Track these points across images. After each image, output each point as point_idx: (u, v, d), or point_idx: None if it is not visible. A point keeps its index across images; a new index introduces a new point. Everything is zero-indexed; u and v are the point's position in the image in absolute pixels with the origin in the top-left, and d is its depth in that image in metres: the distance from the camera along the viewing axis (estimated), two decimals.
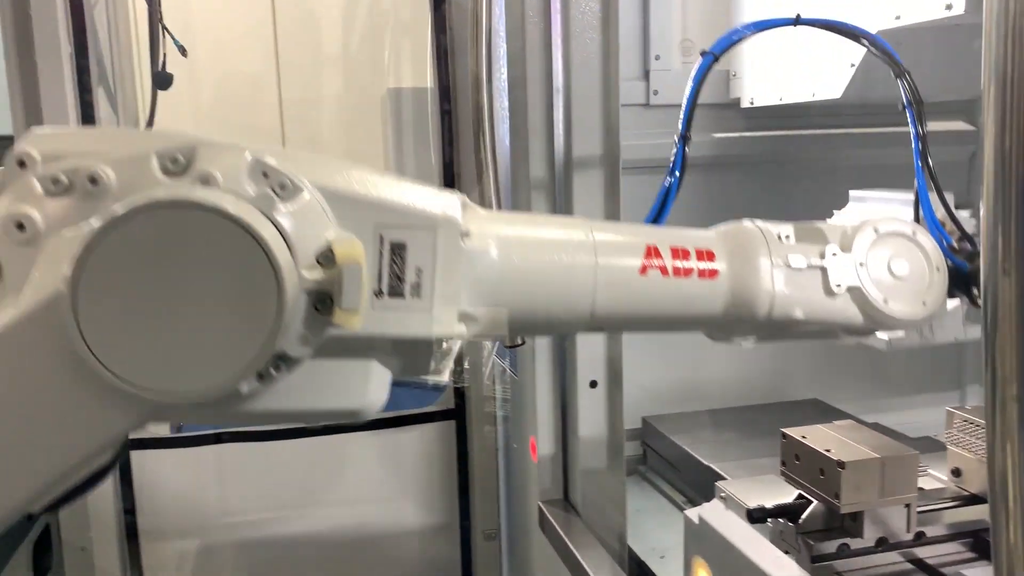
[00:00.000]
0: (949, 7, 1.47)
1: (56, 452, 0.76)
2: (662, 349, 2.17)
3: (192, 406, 0.77)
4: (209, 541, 2.38)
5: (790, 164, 2.35)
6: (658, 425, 2.14)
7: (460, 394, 2.37)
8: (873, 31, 1.67)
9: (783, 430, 1.30)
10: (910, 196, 1.26)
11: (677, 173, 1.14)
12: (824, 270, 1.02)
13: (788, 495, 1.26)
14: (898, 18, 1.59)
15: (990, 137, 0.63)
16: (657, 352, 2.16)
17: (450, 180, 2.26)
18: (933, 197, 1.15)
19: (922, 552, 1.23)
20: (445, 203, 0.85)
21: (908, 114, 1.13)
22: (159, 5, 2.31)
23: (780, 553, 1.24)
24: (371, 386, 0.84)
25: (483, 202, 1.76)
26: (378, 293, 0.81)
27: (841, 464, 1.16)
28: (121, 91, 2.28)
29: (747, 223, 1.05)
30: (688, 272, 0.97)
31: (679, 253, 0.97)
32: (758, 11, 2.17)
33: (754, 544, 1.28)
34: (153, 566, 2.32)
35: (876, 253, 1.05)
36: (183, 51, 2.44)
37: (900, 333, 1.11)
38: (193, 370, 0.73)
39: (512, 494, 2.28)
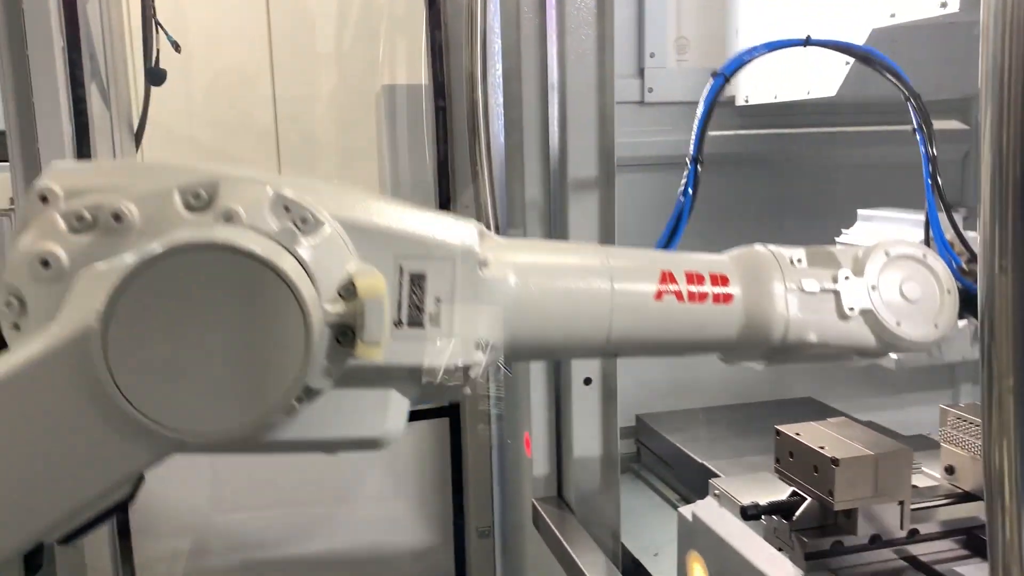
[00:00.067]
0: (944, 5, 1.47)
1: (76, 485, 0.76)
2: None
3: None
4: (201, 538, 2.38)
5: (785, 162, 2.35)
6: (652, 423, 2.15)
7: None
8: (868, 28, 1.68)
9: (777, 427, 1.30)
10: (917, 216, 1.27)
11: (690, 191, 1.14)
12: (837, 294, 1.03)
13: (782, 492, 1.26)
14: (893, 16, 1.60)
15: (988, 134, 0.63)
16: None
17: (445, 177, 2.26)
18: (942, 217, 1.15)
19: (915, 549, 1.23)
20: (463, 233, 0.86)
21: (918, 137, 1.14)
22: (152, 0, 2.30)
23: (773, 550, 1.24)
24: (390, 414, 0.85)
25: (478, 199, 1.76)
26: (398, 323, 0.83)
27: (835, 461, 1.16)
28: (114, 87, 2.26)
29: (759, 247, 1.05)
30: (703, 297, 0.98)
31: (694, 278, 0.98)
32: (753, 10, 2.17)
33: (748, 541, 1.28)
34: (145, 563, 2.31)
35: (888, 276, 1.05)
36: (177, 47, 2.43)
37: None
38: (223, 410, 0.73)
39: (506, 491, 2.28)
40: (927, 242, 1.15)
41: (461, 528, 2.44)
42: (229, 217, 0.77)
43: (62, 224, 0.77)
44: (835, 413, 2.04)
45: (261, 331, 0.72)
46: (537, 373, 1.76)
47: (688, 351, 1.05)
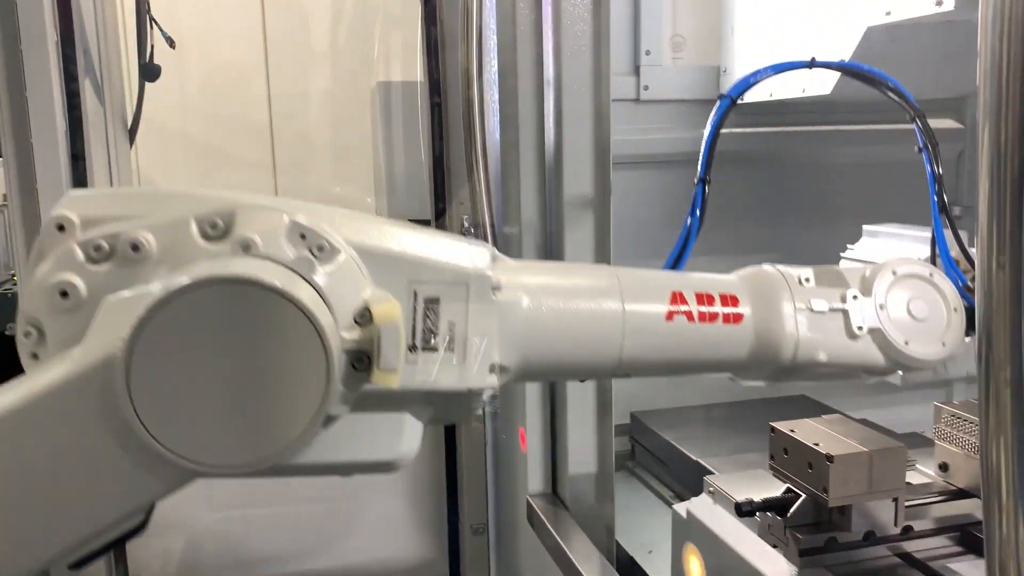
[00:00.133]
0: (939, 3, 1.47)
1: (91, 512, 0.76)
2: None
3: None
4: (194, 536, 2.37)
5: (780, 160, 2.35)
6: (646, 420, 2.14)
7: None
8: (863, 27, 1.69)
9: (772, 424, 1.30)
10: (922, 232, 1.28)
11: (698, 213, 1.14)
12: (846, 313, 1.03)
13: (776, 490, 1.26)
14: (888, 14, 1.60)
15: (986, 132, 0.63)
16: None
17: (440, 174, 2.25)
18: (948, 235, 1.16)
19: (909, 546, 1.23)
20: (475, 257, 0.87)
21: (924, 156, 1.15)
22: None
23: (768, 547, 1.24)
24: (404, 437, 0.86)
25: (473, 196, 1.76)
26: (412, 347, 0.83)
27: (829, 458, 1.16)
28: (108, 82, 2.25)
29: (767, 267, 1.06)
30: (713, 317, 0.99)
31: (704, 298, 0.99)
32: (748, 7, 2.17)
33: (742, 538, 1.28)
34: (138, 561, 2.30)
35: (895, 295, 1.06)
36: (171, 43, 2.43)
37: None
38: (245, 443, 0.73)
39: (500, 488, 2.28)
40: (933, 259, 1.16)
41: (455, 525, 2.44)
42: (246, 246, 0.77)
43: (80, 254, 0.78)
44: (829, 411, 2.04)
45: (281, 362, 0.73)
46: None
47: (699, 371, 1.06)
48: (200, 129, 3.21)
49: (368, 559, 2.44)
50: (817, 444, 1.20)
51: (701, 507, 1.38)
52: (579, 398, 1.68)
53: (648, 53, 2.25)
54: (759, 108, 2.13)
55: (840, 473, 1.16)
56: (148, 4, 2.31)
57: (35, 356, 0.79)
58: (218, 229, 0.79)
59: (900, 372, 1.08)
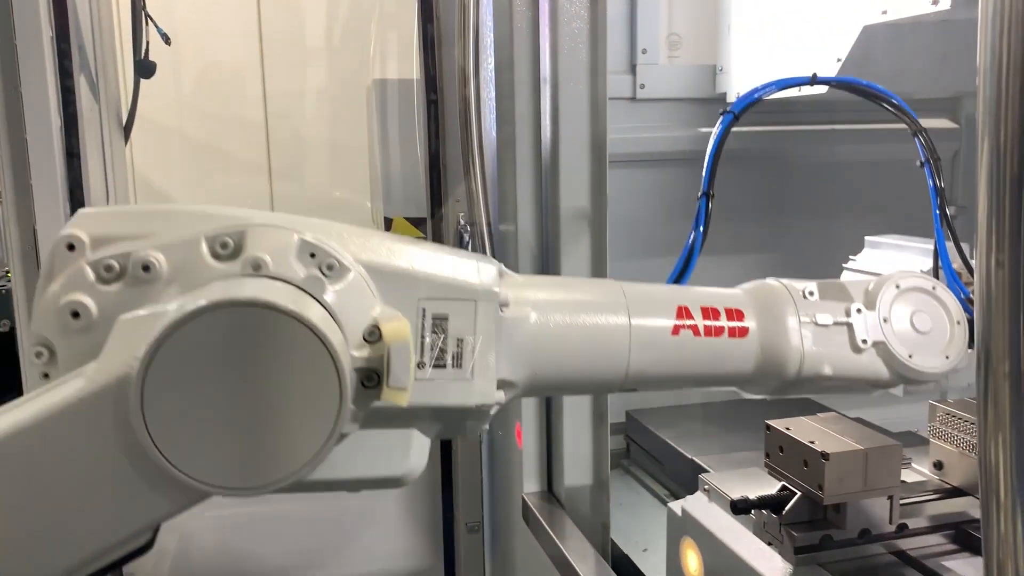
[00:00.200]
0: (935, 2, 1.47)
1: (99, 530, 0.76)
2: None
3: None
4: (188, 535, 2.37)
5: (776, 159, 2.35)
6: (641, 419, 2.15)
7: None
8: (859, 26, 1.69)
9: (767, 422, 1.30)
10: (924, 244, 1.28)
11: (701, 228, 1.14)
12: (850, 326, 1.04)
13: (771, 488, 1.26)
14: (885, 13, 1.60)
15: (985, 129, 0.63)
16: None
17: (436, 172, 2.25)
18: (949, 247, 1.16)
19: (904, 544, 1.23)
20: (483, 273, 0.88)
21: (926, 170, 1.15)
22: None
23: (763, 544, 1.24)
24: (412, 453, 0.87)
25: (470, 194, 1.76)
26: (420, 364, 0.84)
27: (825, 455, 1.16)
28: (103, 79, 2.25)
29: (771, 281, 1.06)
30: (719, 331, 0.99)
31: (709, 312, 0.99)
32: (745, 6, 2.18)
33: (737, 536, 1.28)
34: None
35: (898, 309, 1.07)
36: (167, 39, 2.42)
37: None
38: (258, 464, 0.73)
39: (495, 486, 2.28)
40: (935, 272, 1.16)
41: (450, 523, 2.44)
42: (257, 266, 0.78)
43: (91, 274, 0.79)
44: (825, 409, 2.04)
45: (293, 382, 0.73)
46: None
47: (704, 385, 1.07)
48: (195, 126, 3.20)
49: (363, 557, 2.44)
50: (812, 442, 1.20)
51: (696, 505, 1.38)
52: (575, 397, 1.68)
53: (644, 52, 2.25)
54: (757, 107, 2.14)
55: (835, 471, 1.16)
56: (144, 0, 2.30)
57: (46, 376, 0.79)
58: (228, 248, 0.79)
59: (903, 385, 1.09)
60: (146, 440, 0.71)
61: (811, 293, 1.05)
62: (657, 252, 2.20)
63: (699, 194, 1.14)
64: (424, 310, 0.84)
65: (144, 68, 2.38)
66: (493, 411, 0.89)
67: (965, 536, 1.25)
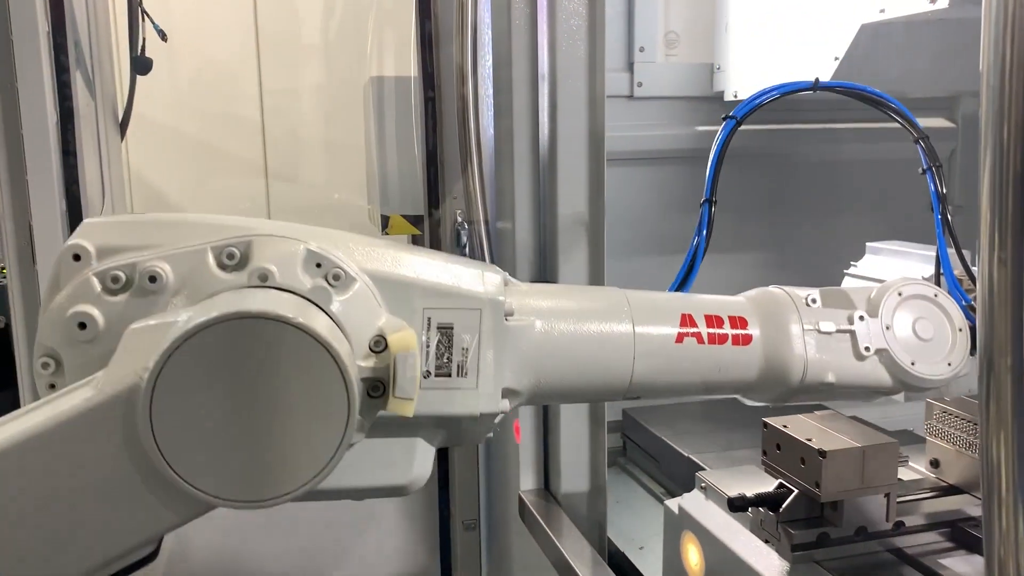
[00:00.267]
0: (933, 1, 1.47)
1: (105, 540, 0.76)
2: None
3: None
4: (182, 534, 2.36)
5: (774, 157, 2.36)
6: (638, 417, 2.15)
7: None
8: (857, 24, 1.69)
9: (765, 419, 1.30)
10: (925, 251, 1.29)
11: (704, 232, 1.14)
12: (853, 334, 1.04)
13: (768, 486, 1.26)
14: (882, 11, 1.60)
15: (988, 127, 0.63)
16: None
17: (434, 169, 2.24)
18: (951, 253, 1.16)
19: (901, 542, 1.23)
20: (488, 282, 0.88)
21: (928, 177, 1.16)
22: None
23: (760, 542, 1.24)
24: (417, 461, 0.87)
25: (467, 191, 1.76)
26: (425, 374, 0.84)
27: (822, 453, 1.16)
28: (99, 75, 2.24)
29: (774, 289, 1.07)
30: (723, 339, 1.00)
31: (713, 320, 1.00)
32: (742, 5, 2.18)
33: (734, 533, 1.28)
34: None
35: (901, 316, 1.07)
36: (163, 36, 2.41)
37: None
38: (267, 478, 0.73)
39: (492, 484, 2.28)
40: (937, 279, 1.17)
41: (446, 521, 2.43)
42: (264, 277, 0.78)
43: (97, 285, 0.79)
44: (821, 407, 2.04)
45: (301, 394, 0.73)
46: None
47: (708, 392, 1.07)
48: (191, 123, 3.19)
49: (359, 555, 2.44)
50: (810, 439, 1.20)
51: (693, 503, 1.39)
52: None
53: (642, 50, 2.25)
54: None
55: (833, 468, 1.16)
56: None
57: (52, 387, 0.79)
58: (235, 259, 0.80)
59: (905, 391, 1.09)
60: (154, 451, 0.71)
61: (814, 300, 1.05)
62: (655, 250, 2.20)
63: (702, 201, 1.14)
64: (429, 319, 0.85)
65: (140, 64, 2.37)
66: (498, 419, 0.89)
67: (961, 534, 1.25)
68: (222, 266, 0.80)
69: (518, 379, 0.90)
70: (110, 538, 0.75)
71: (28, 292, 1.90)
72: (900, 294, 1.08)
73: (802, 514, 1.22)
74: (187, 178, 3.22)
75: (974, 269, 1.16)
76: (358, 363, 0.77)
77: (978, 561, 1.19)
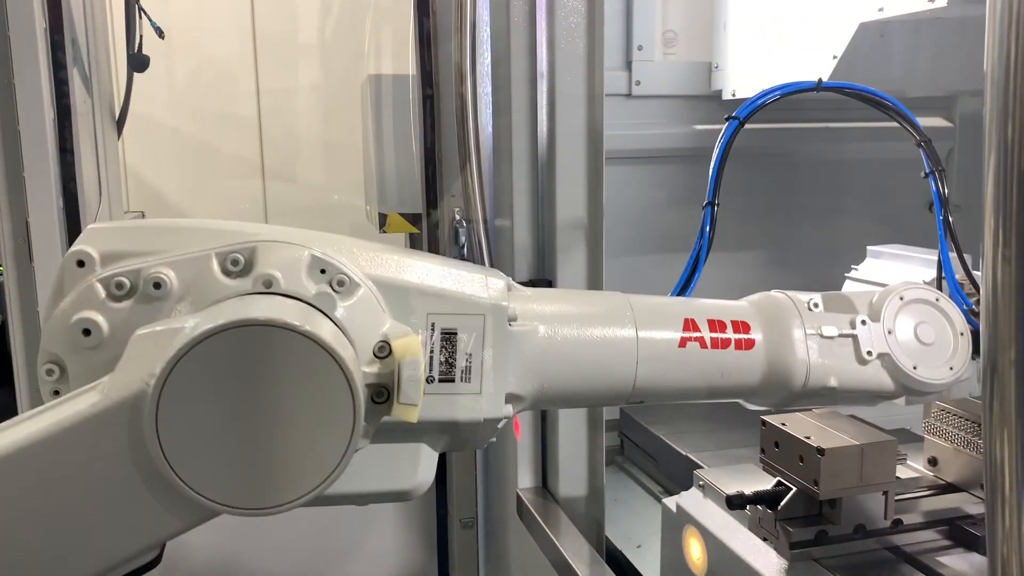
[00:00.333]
0: (932, 0, 1.47)
1: (109, 546, 0.75)
2: None
3: None
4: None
5: (772, 156, 2.36)
6: (636, 416, 2.15)
7: None
8: (855, 23, 1.69)
9: (763, 417, 1.30)
10: (926, 255, 1.29)
11: (706, 239, 1.14)
12: (855, 338, 1.04)
13: (765, 484, 1.26)
14: (881, 10, 1.60)
15: (992, 125, 0.63)
16: None
17: (432, 167, 2.24)
18: (952, 257, 1.17)
19: (899, 539, 1.23)
20: (492, 288, 0.88)
21: (930, 181, 1.16)
22: None
23: (758, 540, 1.24)
24: (420, 466, 0.87)
25: (466, 189, 1.75)
26: (429, 379, 0.84)
27: (820, 451, 1.16)
28: (96, 72, 2.23)
29: (777, 293, 1.07)
30: (726, 344, 1.00)
31: (716, 325, 1.00)
32: (740, 4, 2.18)
33: (732, 531, 1.28)
34: None
35: (903, 320, 1.07)
36: (160, 33, 2.41)
37: None
38: (273, 485, 0.73)
39: (490, 482, 2.27)
40: (939, 283, 1.17)
41: (444, 519, 2.43)
42: (268, 283, 0.78)
43: (101, 292, 0.79)
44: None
45: (307, 402, 0.73)
46: None
47: (711, 397, 1.07)
48: (188, 121, 3.18)
49: (357, 553, 2.44)
50: (808, 437, 1.20)
51: (691, 501, 1.39)
52: None
53: (640, 48, 2.25)
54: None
55: (831, 466, 1.16)
56: None
57: (57, 393, 0.79)
58: (239, 265, 0.80)
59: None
60: (159, 457, 0.70)
61: (816, 305, 1.05)
62: (653, 249, 2.20)
63: (704, 204, 1.14)
64: (433, 325, 0.85)
65: (137, 62, 2.37)
66: (501, 424, 0.89)
67: (959, 532, 1.25)
68: (226, 272, 0.80)
69: (522, 384, 0.90)
70: (113, 543, 0.75)
71: (25, 290, 1.89)
72: (902, 298, 1.08)
73: (800, 512, 1.22)
74: (184, 176, 3.21)
75: (976, 274, 1.16)
76: (363, 369, 0.77)
77: (976, 559, 1.20)
